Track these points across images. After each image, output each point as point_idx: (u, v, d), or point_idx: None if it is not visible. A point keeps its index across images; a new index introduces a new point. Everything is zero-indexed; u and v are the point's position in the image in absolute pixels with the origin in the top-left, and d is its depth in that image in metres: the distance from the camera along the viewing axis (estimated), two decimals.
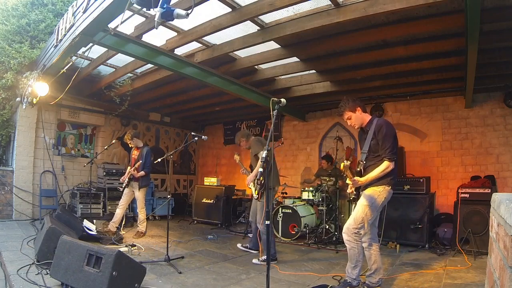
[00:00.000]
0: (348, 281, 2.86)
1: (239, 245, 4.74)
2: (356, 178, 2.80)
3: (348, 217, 6.28)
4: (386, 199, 2.80)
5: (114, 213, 5.29)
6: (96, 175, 6.98)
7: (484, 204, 4.17)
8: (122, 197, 5.34)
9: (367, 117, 2.99)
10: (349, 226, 2.85)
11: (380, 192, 2.77)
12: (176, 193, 8.92)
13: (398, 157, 3.18)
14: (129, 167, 5.30)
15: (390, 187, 2.79)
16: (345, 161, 2.80)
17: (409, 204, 4.92)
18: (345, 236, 2.87)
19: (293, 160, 7.80)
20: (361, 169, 2.89)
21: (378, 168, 2.77)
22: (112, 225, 5.17)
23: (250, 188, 4.52)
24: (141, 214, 5.23)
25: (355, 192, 2.95)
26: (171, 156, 4.46)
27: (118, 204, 5.39)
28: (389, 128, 2.82)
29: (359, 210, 2.81)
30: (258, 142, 4.33)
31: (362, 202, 2.82)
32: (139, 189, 5.19)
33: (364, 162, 2.89)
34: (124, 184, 5.23)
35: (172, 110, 8.30)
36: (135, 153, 5.39)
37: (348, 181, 2.84)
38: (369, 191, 2.81)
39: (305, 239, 5.30)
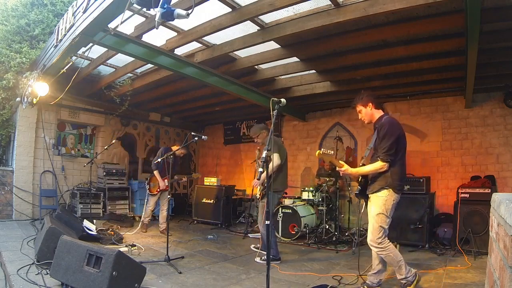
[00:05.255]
0: (403, 282, 2.81)
1: (252, 246, 4.75)
2: (346, 167, 2.80)
3: (348, 217, 6.30)
4: (394, 202, 2.76)
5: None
6: (96, 175, 6.98)
7: (484, 204, 4.17)
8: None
9: (377, 114, 2.95)
10: (372, 239, 2.77)
11: (387, 197, 2.73)
12: (176, 193, 8.92)
13: None
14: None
15: (394, 190, 2.73)
16: (320, 150, 2.77)
17: (409, 204, 4.91)
18: (374, 249, 2.80)
19: (293, 160, 7.79)
20: (363, 164, 2.90)
21: (371, 165, 2.77)
22: (163, 225, 5.49)
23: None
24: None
25: (359, 187, 2.93)
26: (171, 156, 4.48)
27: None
28: (392, 128, 2.76)
29: (373, 221, 2.77)
30: (274, 142, 4.08)
31: (373, 213, 2.78)
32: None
33: (368, 158, 2.89)
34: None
35: (172, 110, 8.30)
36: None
37: (337, 169, 2.87)
38: (374, 199, 2.79)
39: (305, 239, 5.30)
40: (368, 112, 2.97)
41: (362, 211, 3.12)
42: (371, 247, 2.80)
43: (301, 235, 5.32)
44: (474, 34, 3.24)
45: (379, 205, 2.75)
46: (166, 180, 5.46)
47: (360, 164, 2.92)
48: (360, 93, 3.05)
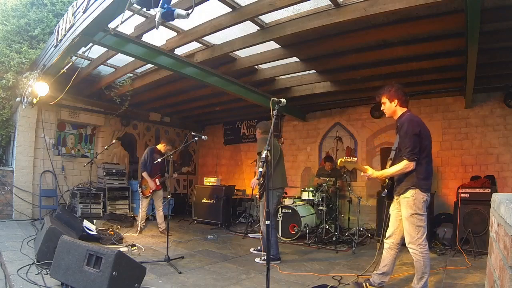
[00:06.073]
0: None
1: (251, 250, 4.66)
2: (371, 171, 2.76)
3: (348, 217, 6.28)
4: (424, 200, 2.63)
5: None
6: (96, 175, 6.98)
7: (484, 204, 4.17)
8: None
9: (399, 111, 2.87)
10: (411, 240, 2.64)
11: (414, 196, 2.62)
12: (176, 193, 8.92)
13: None
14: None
15: (420, 190, 2.61)
16: (343, 158, 2.76)
17: None
18: (411, 250, 2.67)
19: (293, 160, 7.80)
20: (390, 166, 2.81)
21: (397, 166, 2.68)
22: (162, 225, 5.53)
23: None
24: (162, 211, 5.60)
25: (385, 190, 2.86)
26: (171, 156, 4.47)
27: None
28: (411, 125, 2.68)
29: (407, 224, 2.66)
30: (263, 140, 4.14)
31: (405, 215, 2.67)
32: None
33: (394, 160, 2.81)
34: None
35: (172, 110, 8.30)
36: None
37: (363, 174, 2.82)
38: (403, 201, 2.69)
39: (305, 239, 5.29)
40: (391, 108, 2.88)
41: (389, 215, 2.94)
42: (409, 249, 2.67)
43: (301, 235, 5.32)
44: (474, 34, 3.24)
45: (409, 205, 2.64)
46: (157, 180, 5.45)
47: (387, 167, 2.83)
48: (390, 84, 2.92)
